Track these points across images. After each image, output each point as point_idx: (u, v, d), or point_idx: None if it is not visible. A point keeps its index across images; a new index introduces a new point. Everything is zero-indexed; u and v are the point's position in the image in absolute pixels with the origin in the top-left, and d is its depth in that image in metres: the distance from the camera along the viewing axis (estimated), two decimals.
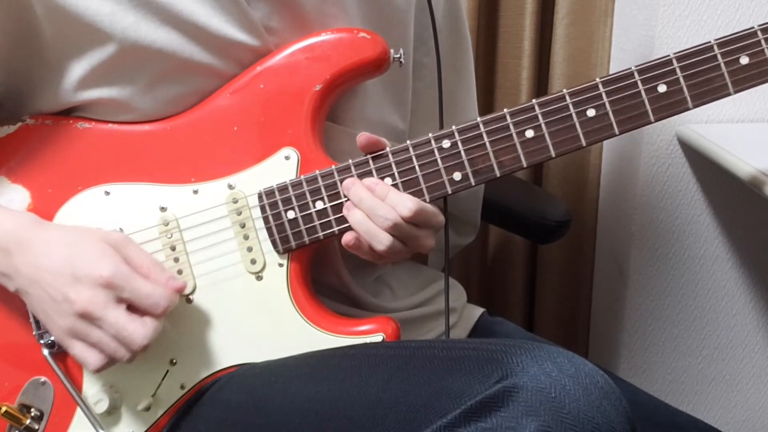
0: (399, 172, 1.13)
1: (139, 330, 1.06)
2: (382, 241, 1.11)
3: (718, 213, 1.81)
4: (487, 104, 2.06)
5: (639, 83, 1.07)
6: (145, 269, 1.10)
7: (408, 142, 1.13)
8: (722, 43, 1.05)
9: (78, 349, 1.09)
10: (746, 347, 1.92)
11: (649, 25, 1.73)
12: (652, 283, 1.87)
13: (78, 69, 1.14)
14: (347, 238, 1.13)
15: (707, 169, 1.77)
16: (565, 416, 0.86)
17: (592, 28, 1.98)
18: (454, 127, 1.12)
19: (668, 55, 1.06)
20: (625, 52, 1.86)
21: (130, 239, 1.14)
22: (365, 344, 1.14)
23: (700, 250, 1.84)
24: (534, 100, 1.10)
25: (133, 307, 1.08)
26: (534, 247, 2.15)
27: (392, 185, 1.13)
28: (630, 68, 1.07)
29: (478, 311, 1.49)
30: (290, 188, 1.15)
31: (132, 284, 1.07)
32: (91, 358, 1.08)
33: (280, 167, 1.16)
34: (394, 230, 1.10)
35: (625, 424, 0.89)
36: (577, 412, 0.86)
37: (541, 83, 2.04)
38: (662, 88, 1.06)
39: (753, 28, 1.05)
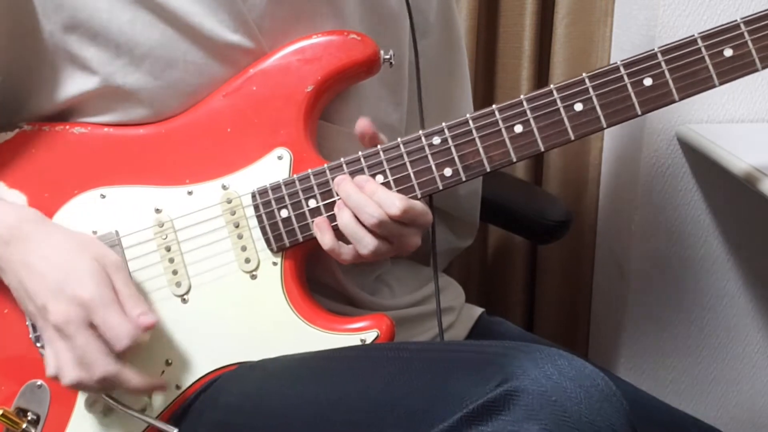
0: (390, 170, 1.13)
1: (101, 362, 1.07)
2: (366, 245, 1.11)
3: (718, 213, 1.81)
4: (487, 104, 2.05)
5: (625, 77, 1.07)
6: (123, 297, 1.09)
7: (399, 139, 1.13)
8: (706, 36, 1.05)
9: (47, 351, 1.10)
10: (746, 347, 1.91)
11: (649, 25, 1.73)
12: (652, 283, 1.86)
13: (74, 66, 1.15)
14: (327, 244, 1.14)
15: (707, 169, 1.76)
16: (567, 420, 0.86)
17: (592, 28, 1.98)
18: (444, 123, 1.12)
19: (653, 49, 1.06)
20: (625, 52, 1.86)
21: (122, 265, 1.13)
22: (364, 346, 1.14)
23: (700, 250, 1.83)
24: (522, 96, 1.10)
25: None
26: (534, 247, 2.14)
27: (384, 182, 1.13)
28: (616, 62, 1.08)
29: (478, 311, 1.48)
30: (283, 187, 1.15)
31: (103, 312, 1.06)
32: (51, 362, 1.10)
33: (274, 167, 1.16)
34: (379, 228, 1.10)
35: (626, 427, 0.88)
36: (578, 415, 0.86)
37: (541, 83, 2.03)
38: (648, 82, 1.07)
39: (736, 21, 1.05)
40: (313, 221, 1.15)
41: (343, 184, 1.13)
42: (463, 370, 0.95)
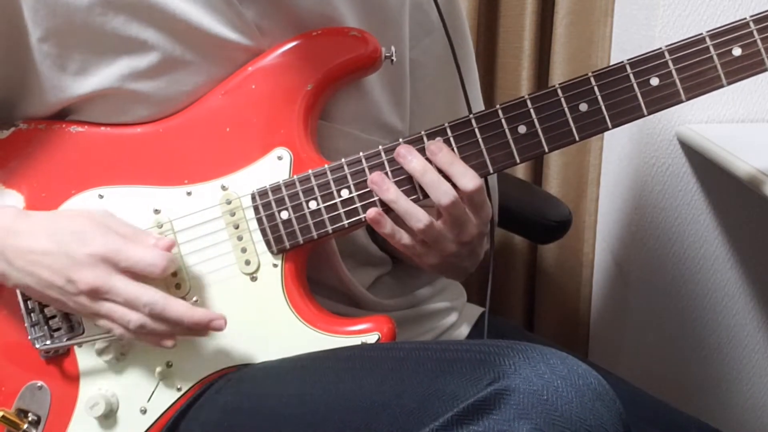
0: (392, 171, 1.12)
1: (148, 293, 1.08)
2: (420, 219, 1.10)
3: (718, 213, 1.81)
4: (487, 104, 2.05)
5: (631, 77, 1.06)
6: (131, 237, 1.11)
7: (400, 140, 1.12)
8: (714, 35, 1.05)
9: (103, 324, 1.11)
10: (746, 347, 1.91)
11: (649, 25, 1.73)
12: (652, 283, 1.86)
13: (65, 72, 1.14)
14: (371, 213, 1.12)
15: (707, 169, 1.76)
16: (557, 419, 0.86)
17: (592, 28, 1.98)
18: (446, 123, 1.11)
19: (660, 48, 1.06)
20: (625, 52, 1.86)
21: (110, 212, 1.14)
22: (360, 345, 1.13)
23: (700, 250, 1.83)
24: (526, 95, 1.09)
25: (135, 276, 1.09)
26: (534, 247, 2.15)
27: None
28: (622, 61, 1.07)
29: (478, 311, 1.48)
30: (283, 188, 1.14)
31: (124, 253, 1.08)
32: (117, 329, 1.10)
33: (274, 167, 1.15)
34: (452, 208, 1.10)
35: (618, 426, 0.89)
36: (569, 414, 0.86)
37: (541, 83, 2.04)
38: (655, 81, 1.06)
39: (745, 19, 1.04)
40: (313, 223, 1.14)
41: (414, 160, 1.11)
42: (455, 369, 0.95)
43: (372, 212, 1.12)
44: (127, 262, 1.07)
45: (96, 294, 1.07)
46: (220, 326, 1.10)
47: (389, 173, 1.12)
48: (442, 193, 1.09)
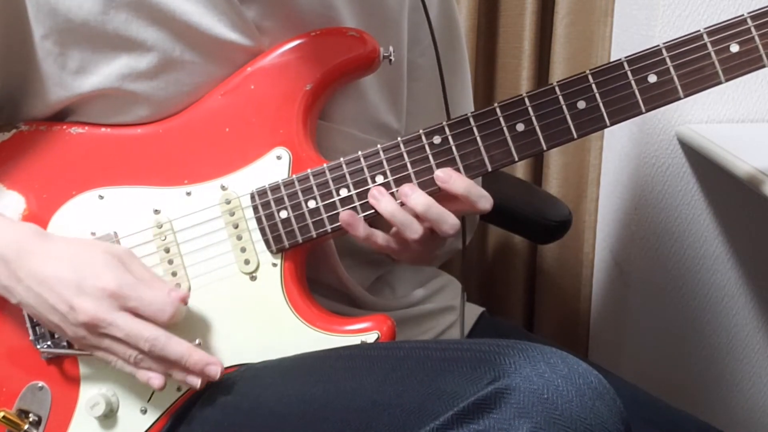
0: (390, 170, 1.12)
1: (149, 329, 1.07)
2: (416, 230, 1.10)
3: (718, 213, 1.81)
4: (487, 104, 2.05)
5: (629, 74, 1.06)
6: (147, 281, 1.11)
7: (399, 138, 1.12)
8: (712, 32, 1.04)
9: (100, 356, 1.11)
10: (746, 347, 1.91)
11: (649, 25, 1.73)
12: (652, 283, 1.86)
13: (65, 70, 1.14)
14: (344, 216, 1.12)
15: (707, 169, 1.76)
16: (558, 417, 0.86)
17: (592, 28, 1.98)
18: (444, 122, 1.11)
19: (658, 45, 1.06)
20: (625, 51, 1.84)
21: (133, 253, 1.14)
22: (360, 345, 1.13)
23: (700, 250, 1.83)
24: (524, 93, 1.09)
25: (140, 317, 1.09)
26: (534, 247, 2.15)
27: (383, 183, 1.12)
28: (620, 59, 1.07)
29: (478, 310, 1.48)
30: (282, 188, 1.14)
31: (136, 292, 1.08)
32: (116, 363, 1.11)
33: (273, 167, 1.15)
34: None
35: (619, 425, 0.88)
36: (569, 413, 0.86)
37: (541, 83, 2.04)
38: (652, 78, 1.06)
39: (743, 15, 1.04)
40: (312, 222, 1.14)
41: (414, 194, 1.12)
42: (456, 369, 0.95)
43: (345, 215, 1.12)
44: (136, 301, 1.07)
45: (95, 327, 1.07)
46: (215, 373, 1.11)
47: (388, 172, 1.12)
48: (413, 232, 1.10)
